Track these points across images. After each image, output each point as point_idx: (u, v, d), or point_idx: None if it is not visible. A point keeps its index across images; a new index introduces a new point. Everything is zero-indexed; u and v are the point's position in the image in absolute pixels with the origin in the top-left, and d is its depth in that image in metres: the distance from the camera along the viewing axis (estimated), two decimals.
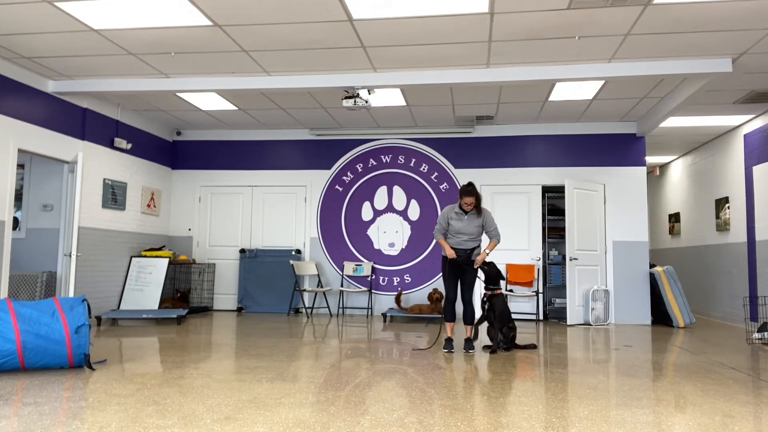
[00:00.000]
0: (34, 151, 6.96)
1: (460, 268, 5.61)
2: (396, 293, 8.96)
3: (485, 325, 5.87)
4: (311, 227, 9.58)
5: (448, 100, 7.87)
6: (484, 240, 5.81)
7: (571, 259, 8.30)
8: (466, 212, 5.53)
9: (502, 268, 8.95)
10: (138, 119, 8.98)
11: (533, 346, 5.88)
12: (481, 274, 5.78)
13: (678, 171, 11.28)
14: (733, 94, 7.23)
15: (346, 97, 6.88)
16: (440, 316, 8.13)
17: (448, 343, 5.59)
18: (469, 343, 5.58)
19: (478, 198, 5.47)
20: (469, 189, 5.43)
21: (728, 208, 8.96)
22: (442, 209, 9.17)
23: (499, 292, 5.72)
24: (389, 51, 6.07)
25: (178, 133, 10.00)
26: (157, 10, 5.18)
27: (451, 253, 5.50)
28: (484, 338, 6.26)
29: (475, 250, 5.64)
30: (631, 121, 8.86)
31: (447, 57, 6.22)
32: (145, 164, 9.14)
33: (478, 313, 5.84)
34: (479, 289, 6.13)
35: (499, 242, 5.63)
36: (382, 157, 9.48)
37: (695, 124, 8.68)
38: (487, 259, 5.76)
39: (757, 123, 8.15)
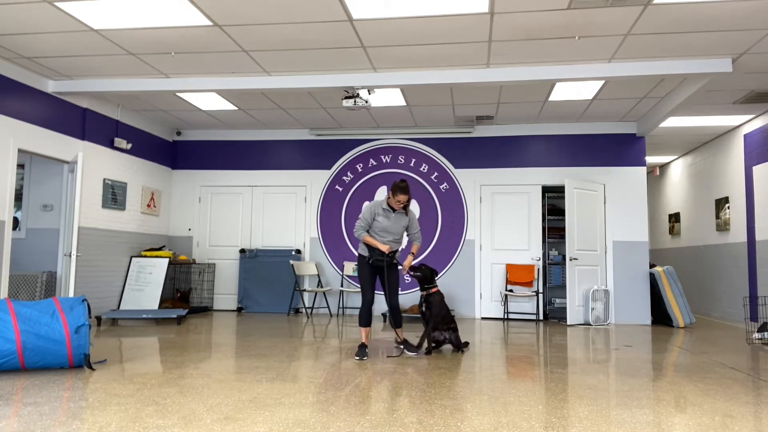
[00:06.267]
0: (34, 151, 6.96)
1: (381, 270, 5.32)
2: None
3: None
4: (311, 227, 9.57)
5: (448, 100, 7.87)
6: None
7: (571, 259, 8.30)
8: (393, 210, 5.29)
9: (502, 269, 8.97)
10: (138, 119, 8.98)
11: (466, 344, 5.73)
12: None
13: (678, 171, 11.28)
14: (733, 94, 7.23)
15: (346, 97, 6.87)
16: None
17: (362, 350, 5.17)
18: (408, 345, 5.36)
19: (409, 198, 5.26)
20: (404, 186, 5.18)
21: (728, 208, 8.96)
22: (442, 209, 9.21)
23: (435, 289, 5.50)
24: (389, 51, 6.07)
25: (178, 133, 10.00)
26: (157, 10, 5.18)
27: (387, 247, 5.20)
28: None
29: (397, 253, 5.38)
30: (631, 121, 8.86)
31: (447, 57, 6.22)
32: (145, 164, 9.14)
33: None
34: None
35: (420, 245, 5.40)
36: (382, 157, 9.48)
37: (695, 124, 8.68)
38: (415, 262, 5.60)
39: (757, 123, 8.15)
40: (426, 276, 5.53)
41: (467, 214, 9.15)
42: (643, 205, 8.77)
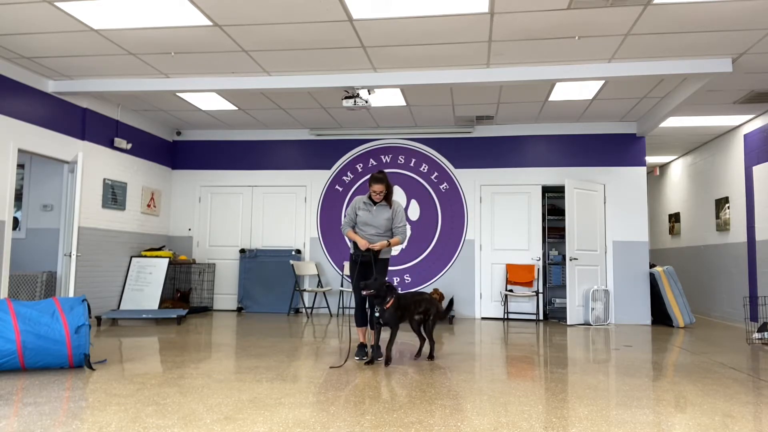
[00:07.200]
0: (34, 151, 6.96)
1: (369, 267, 5.09)
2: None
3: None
4: (311, 227, 9.57)
5: (448, 100, 7.87)
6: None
7: (571, 259, 8.30)
8: (375, 203, 5.15)
9: (502, 269, 8.96)
10: (138, 119, 8.98)
11: (447, 313, 5.42)
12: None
13: (678, 171, 11.28)
14: (733, 94, 7.23)
15: (346, 97, 6.88)
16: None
17: (361, 350, 5.08)
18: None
19: (388, 187, 5.08)
20: (380, 177, 5.05)
21: (728, 208, 8.95)
22: (442, 209, 9.21)
23: (389, 305, 4.87)
24: (389, 51, 6.07)
25: (178, 133, 10.00)
26: (157, 10, 5.18)
27: (364, 243, 5.01)
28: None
29: (379, 254, 5.12)
30: (631, 121, 8.86)
31: (447, 57, 6.21)
32: (145, 164, 9.14)
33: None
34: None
35: (403, 242, 5.21)
36: (382, 157, 9.48)
37: (695, 124, 8.68)
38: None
39: (757, 123, 8.15)
40: (381, 293, 4.85)
41: (467, 214, 9.15)
42: (643, 205, 8.77)
